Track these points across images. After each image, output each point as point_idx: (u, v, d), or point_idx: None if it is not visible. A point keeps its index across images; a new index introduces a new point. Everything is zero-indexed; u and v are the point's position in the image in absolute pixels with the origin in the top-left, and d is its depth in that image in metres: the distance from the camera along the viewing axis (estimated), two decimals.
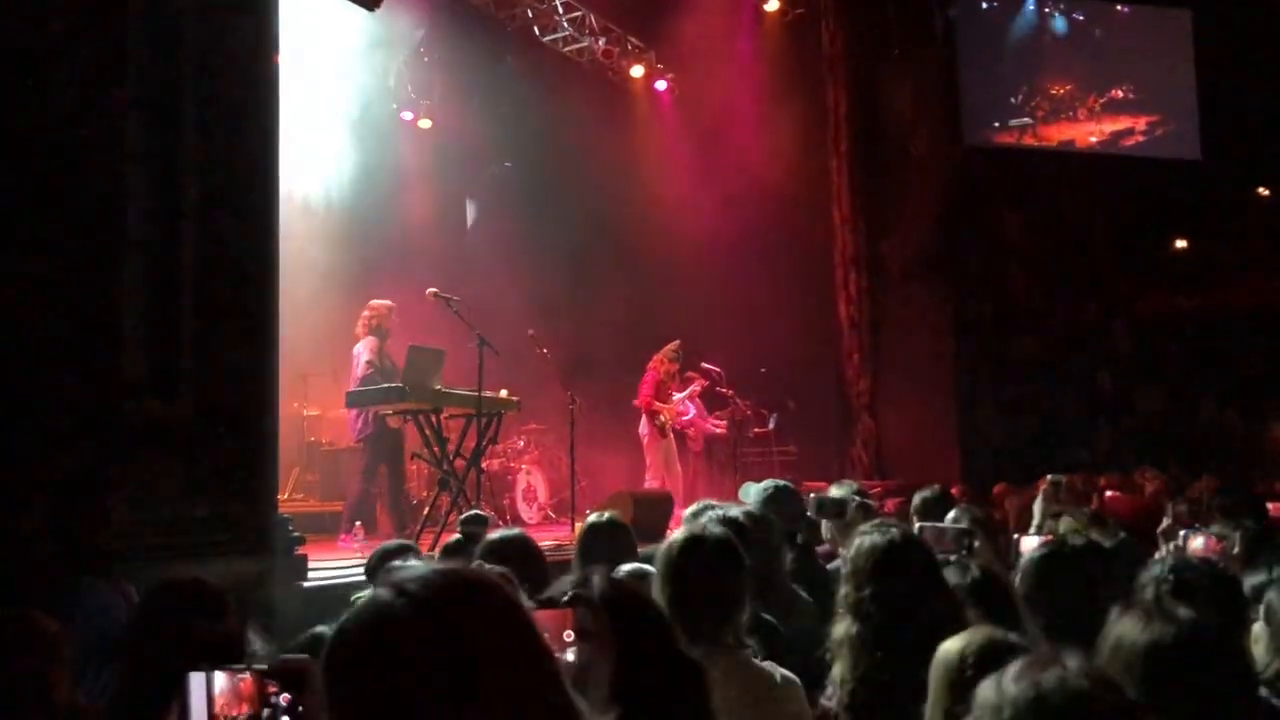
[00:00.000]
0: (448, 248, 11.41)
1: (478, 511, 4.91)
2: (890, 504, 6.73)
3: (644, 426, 9.40)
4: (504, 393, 7.85)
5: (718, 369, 10.10)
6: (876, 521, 2.75)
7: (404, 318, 8.09)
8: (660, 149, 11.85)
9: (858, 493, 4.16)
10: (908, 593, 2.44)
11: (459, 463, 7.14)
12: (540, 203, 11.63)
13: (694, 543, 2.46)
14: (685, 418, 9.81)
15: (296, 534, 5.29)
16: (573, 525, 7.29)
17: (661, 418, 9.32)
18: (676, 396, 9.69)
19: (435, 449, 7.01)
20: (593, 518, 3.65)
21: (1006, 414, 11.38)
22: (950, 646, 1.93)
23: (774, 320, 11.39)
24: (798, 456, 10.99)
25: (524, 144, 11.72)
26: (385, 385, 7.16)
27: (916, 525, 3.65)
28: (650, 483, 9.16)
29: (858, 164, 11.76)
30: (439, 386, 7.12)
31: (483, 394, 6.90)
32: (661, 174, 11.67)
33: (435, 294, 7.13)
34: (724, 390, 10.06)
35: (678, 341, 9.44)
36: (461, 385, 7.38)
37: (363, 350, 7.60)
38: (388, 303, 7.86)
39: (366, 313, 7.80)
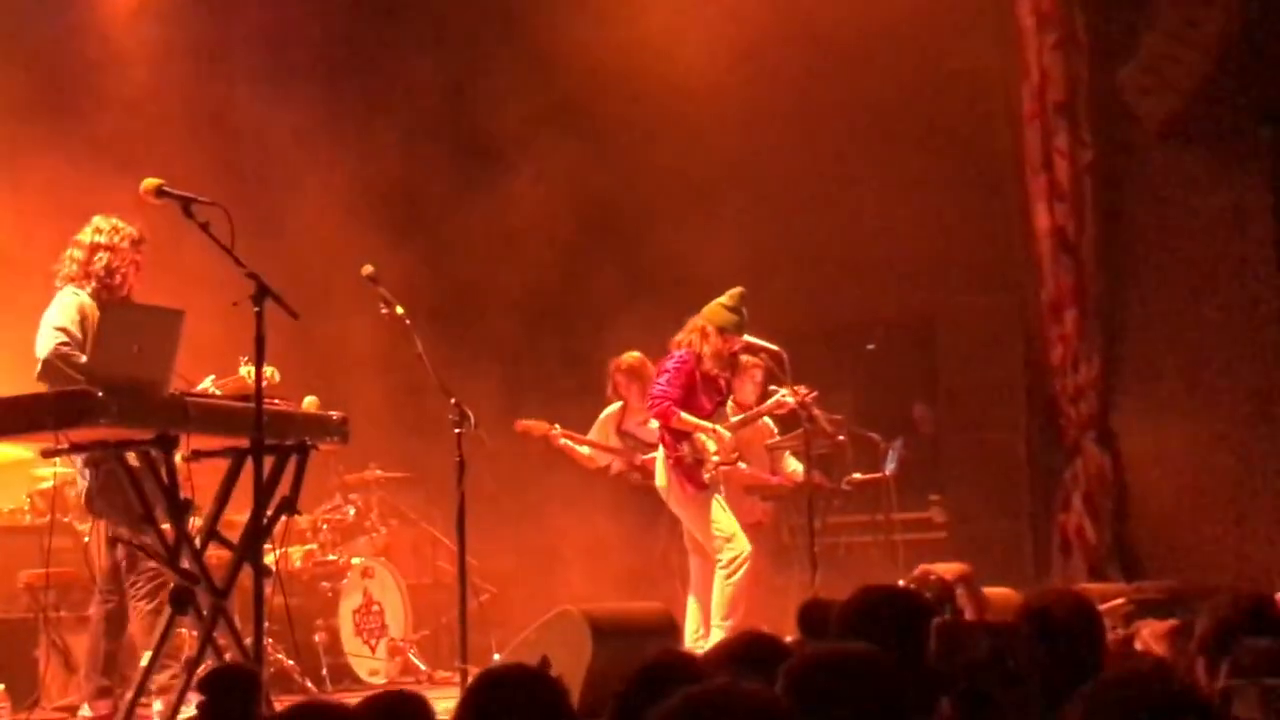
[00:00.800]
0: (175, 63, 11.12)
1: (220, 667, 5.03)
2: (1148, 629, 6.21)
3: (664, 467, 9.06)
4: (310, 402, 7.63)
5: (773, 347, 9.29)
6: (1118, 674, 2.92)
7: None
8: None
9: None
10: None
11: (214, 555, 6.89)
12: None
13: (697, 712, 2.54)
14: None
15: None
16: (464, 682, 7.16)
17: (706, 445, 8.92)
18: (736, 418, 9.41)
19: (165, 526, 6.73)
20: (488, 672, 3.48)
21: None
22: None
23: (891, 240, 11.22)
24: (948, 533, 10.46)
25: None
26: (45, 394, 6.69)
27: (1222, 682, 3.86)
28: (719, 579, 8.88)
29: None
30: (170, 389, 6.74)
31: (265, 405, 6.43)
32: None
33: (159, 190, 6.63)
34: (788, 393, 9.32)
35: (740, 290, 9.11)
36: (222, 385, 7.52)
37: (55, 314, 7.36)
38: (119, 224, 7.55)
39: (85, 238, 7.55)
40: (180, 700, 6.42)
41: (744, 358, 9.62)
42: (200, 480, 7.33)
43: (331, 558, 9.72)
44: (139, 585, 7.26)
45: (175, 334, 6.74)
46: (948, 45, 11.24)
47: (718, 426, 9.02)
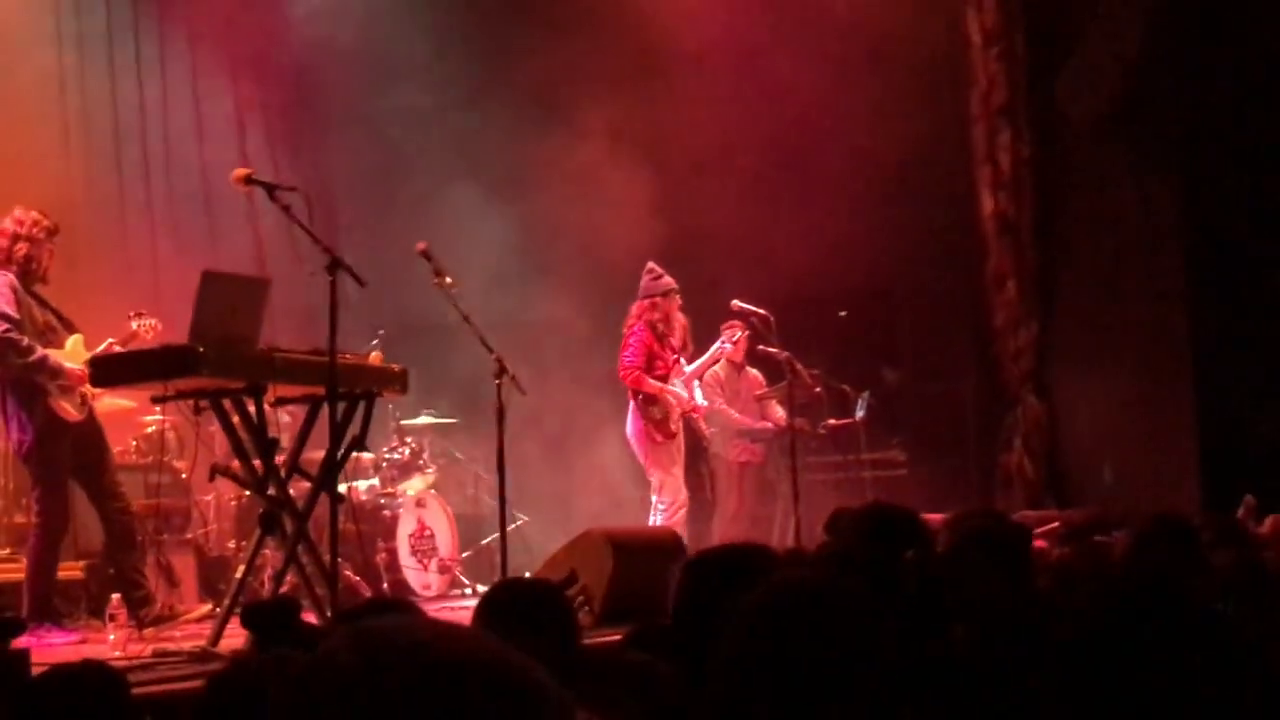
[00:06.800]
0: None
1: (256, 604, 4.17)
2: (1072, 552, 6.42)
3: (632, 421, 9.49)
4: (376, 356, 7.54)
5: (761, 311, 9.85)
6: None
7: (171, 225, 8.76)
8: None
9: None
10: None
11: (297, 485, 6.96)
12: None
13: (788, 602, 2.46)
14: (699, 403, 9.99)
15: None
16: None
17: (660, 405, 9.38)
18: (690, 367, 9.75)
19: (256, 461, 6.72)
20: (499, 586, 3.70)
21: None
22: None
23: (859, 223, 11.26)
24: (908, 470, 10.84)
25: None
26: (155, 348, 6.86)
27: None
28: (658, 515, 9.32)
29: None
30: (260, 347, 6.79)
31: (338, 359, 6.45)
32: None
33: (247, 178, 6.78)
34: (773, 351, 9.92)
35: (650, 263, 9.57)
36: (296, 345, 7.17)
37: None
38: (39, 217, 7.56)
39: (7, 227, 7.49)
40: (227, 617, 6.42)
41: (732, 321, 10.13)
42: (284, 421, 7.89)
43: (391, 490, 9.97)
44: None
45: (263, 299, 7.05)
46: (908, 58, 11.41)
47: (677, 386, 9.45)
